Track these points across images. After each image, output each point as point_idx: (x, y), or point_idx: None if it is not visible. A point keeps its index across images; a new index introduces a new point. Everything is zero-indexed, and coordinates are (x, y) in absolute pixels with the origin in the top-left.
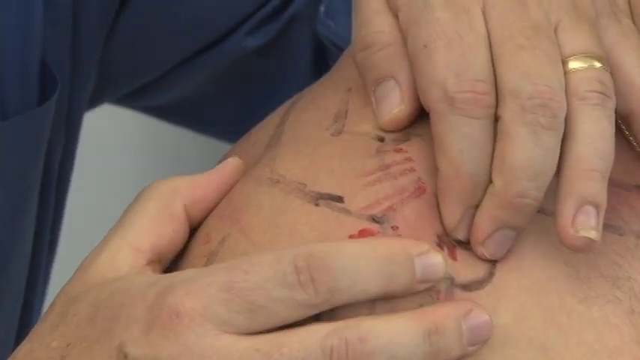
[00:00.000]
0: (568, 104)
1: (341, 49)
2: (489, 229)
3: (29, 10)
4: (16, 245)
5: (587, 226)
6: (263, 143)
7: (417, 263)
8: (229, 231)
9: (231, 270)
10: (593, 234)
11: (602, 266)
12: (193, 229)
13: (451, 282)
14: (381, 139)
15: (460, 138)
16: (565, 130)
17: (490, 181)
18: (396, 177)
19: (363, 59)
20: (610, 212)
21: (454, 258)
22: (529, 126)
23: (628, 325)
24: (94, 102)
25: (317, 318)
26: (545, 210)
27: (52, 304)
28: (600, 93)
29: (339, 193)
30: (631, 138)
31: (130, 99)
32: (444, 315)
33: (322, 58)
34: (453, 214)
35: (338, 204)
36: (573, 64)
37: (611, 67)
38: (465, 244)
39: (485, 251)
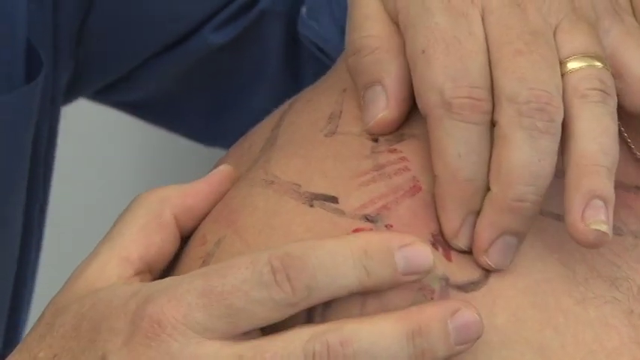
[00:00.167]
0: (569, 104)
1: (322, 51)
2: (490, 237)
3: None
4: (3, 235)
5: (597, 219)
6: (259, 146)
7: (399, 256)
8: (225, 232)
9: (209, 275)
10: (604, 227)
11: (600, 267)
12: (185, 238)
13: (446, 282)
14: (375, 140)
15: (457, 143)
16: (567, 129)
17: (488, 189)
18: (391, 176)
19: (354, 63)
20: None
21: (449, 258)
22: (526, 130)
23: (627, 326)
24: (69, 95)
25: (309, 319)
26: (542, 210)
27: (42, 315)
28: (601, 91)
29: (334, 194)
30: (629, 140)
31: (104, 94)
32: (429, 315)
33: (296, 54)
34: (452, 220)
35: (332, 204)
36: (573, 64)
37: (616, 65)
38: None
39: (489, 260)
